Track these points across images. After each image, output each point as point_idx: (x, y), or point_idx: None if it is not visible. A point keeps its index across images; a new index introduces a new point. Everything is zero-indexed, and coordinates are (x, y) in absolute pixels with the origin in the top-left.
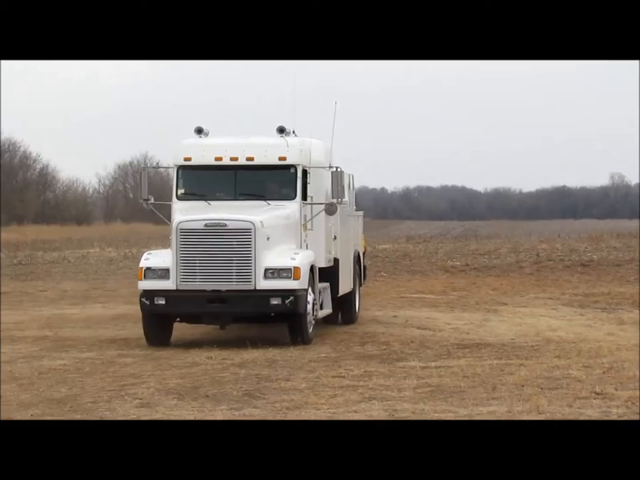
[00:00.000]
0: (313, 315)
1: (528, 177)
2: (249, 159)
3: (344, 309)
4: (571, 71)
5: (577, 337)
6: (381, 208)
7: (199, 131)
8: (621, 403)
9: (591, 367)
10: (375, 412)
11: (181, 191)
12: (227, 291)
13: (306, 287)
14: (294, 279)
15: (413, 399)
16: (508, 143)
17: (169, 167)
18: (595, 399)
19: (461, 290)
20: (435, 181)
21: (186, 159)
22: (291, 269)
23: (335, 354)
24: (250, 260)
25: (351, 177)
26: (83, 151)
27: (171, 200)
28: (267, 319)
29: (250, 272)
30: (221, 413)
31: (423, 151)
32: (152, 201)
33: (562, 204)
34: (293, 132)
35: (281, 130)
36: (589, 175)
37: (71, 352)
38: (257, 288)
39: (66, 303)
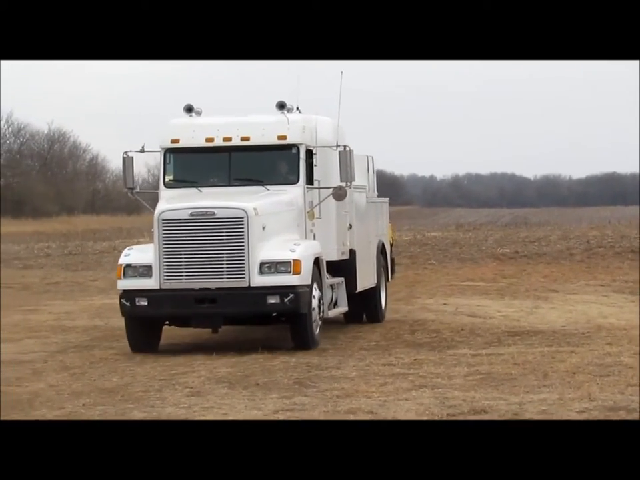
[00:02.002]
0: (320, 314)
1: (578, 163)
2: (243, 138)
3: (367, 306)
4: None
5: (628, 324)
6: (430, 195)
7: (189, 109)
8: None
9: None
10: (426, 400)
11: (168, 177)
12: (218, 289)
13: (309, 283)
14: (293, 274)
15: (464, 387)
16: (557, 129)
17: (155, 151)
18: None
19: (511, 277)
20: (484, 168)
21: (173, 141)
22: (289, 262)
23: (385, 342)
24: (243, 253)
25: (370, 159)
26: (132, 142)
27: (158, 188)
28: (264, 320)
29: (243, 267)
30: (271, 402)
31: (473, 139)
32: (138, 189)
33: (612, 190)
34: (297, 108)
35: (281, 105)
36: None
37: (122, 341)
38: (252, 285)
39: (116, 293)
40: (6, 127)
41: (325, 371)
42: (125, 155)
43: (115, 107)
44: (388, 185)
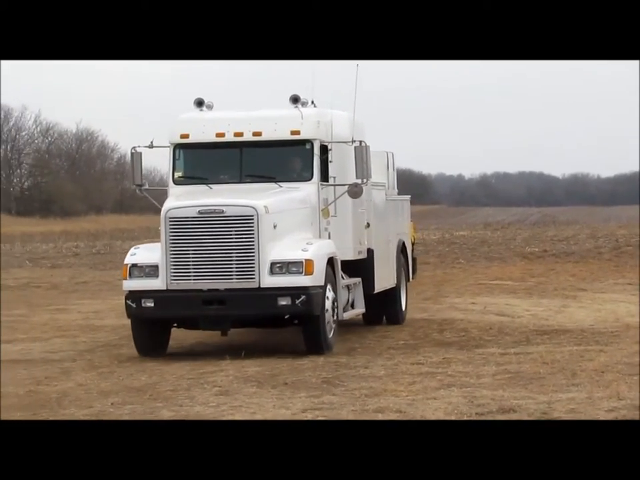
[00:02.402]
0: (334, 316)
1: (606, 162)
2: (255, 134)
3: (386, 307)
4: None
5: None
6: (457, 195)
7: (200, 103)
8: None
9: None
10: (454, 399)
11: (177, 174)
12: (227, 290)
13: (321, 284)
14: (306, 274)
15: (492, 386)
16: (585, 128)
17: (164, 147)
18: None
19: (539, 276)
20: (512, 167)
21: (182, 136)
22: (301, 262)
23: (413, 341)
24: (252, 252)
25: (390, 155)
26: (159, 141)
27: (167, 185)
28: (276, 322)
29: (253, 267)
30: (300, 401)
31: (500, 137)
32: (146, 186)
33: None
34: (312, 102)
35: (295, 99)
36: None
37: None
38: (262, 286)
39: None
40: (34, 126)
41: (353, 370)
42: (132, 151)
43: (144, 107)
44: (416, 184)
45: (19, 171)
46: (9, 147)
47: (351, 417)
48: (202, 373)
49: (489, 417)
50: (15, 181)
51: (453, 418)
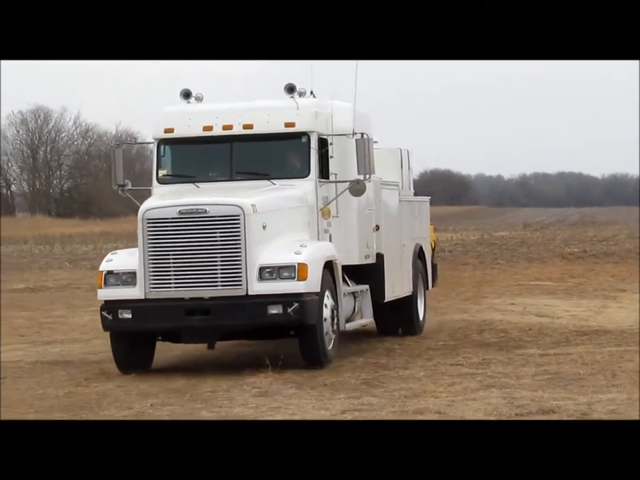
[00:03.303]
0: (333, 326)
1: None
2: (246, 126)
3: (401, 317)
4: None
5: None
6: (497, 195)
7: (187, 94)
8: None
9: None
10: (494, 400)
11: (162, 172)
12: (211, 298)
13: (317, 290)
14: (299, 280)
15: (532, 387)
16: (625, 129)
17: (148, 142)
18: None
19: (579, 277)
20: (551, 167)
21: (167, 131)
22: (294, 266)
23: (452, 342)
24: (239, 256)
25: (405, 152)
26: None
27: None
28: (268, 333)
29: (239, 272)
30: (339, 402)
31: (540, 138)
32: (129, 186)
33: None
34: (311, 93)
35: (291, 89)
36: None
37: None
38: (250, 293)
39: None
40: (74, 127)
41: (393, 371)
42: (113, 149)
43: None
44: (455, 185)
45: (58, 172)
46: (48, 149)
47: (390, 418)
48: (241, 374)
49: (529, 418)
50: (54, 182)
51: (492, 419)
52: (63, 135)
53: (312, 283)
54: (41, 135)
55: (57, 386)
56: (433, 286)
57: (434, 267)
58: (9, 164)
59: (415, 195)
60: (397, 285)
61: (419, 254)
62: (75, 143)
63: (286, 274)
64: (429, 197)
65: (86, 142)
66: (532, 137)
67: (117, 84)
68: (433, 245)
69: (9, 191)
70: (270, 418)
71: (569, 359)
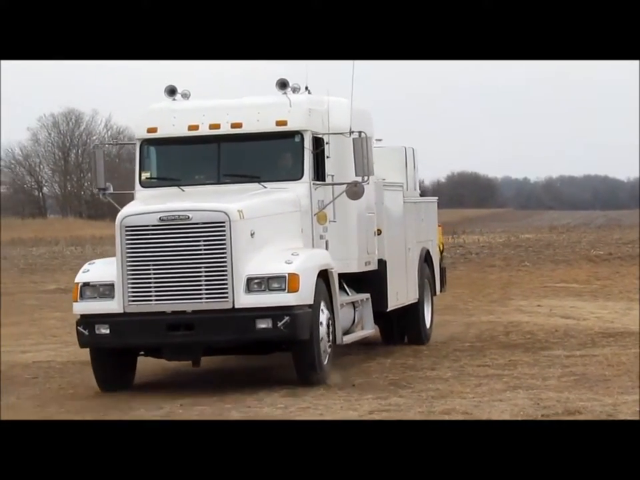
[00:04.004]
0: (329, 340)
1: None
2: (234, 125)
3: (407, 326)
4: None
5: None
6: (523, 198)
7: (172, 91)
8: None
9: None
10: (520, 401)
11: (145, 175)
12: (195, 312)
13: (310, 302)
14: (289, 292)
15: (558, 388)
16: None
17: (130, 143)
18: None
19: (605, 279)
20: (577, 170)
21: (150, 130)
22: (284, 276)
23: (479, 343)
24: (224, 266)
25: (409, 151)
26: None
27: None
28: (258, 348)
29: (225, 284)
30: (367, 402)
31: (566, 141)
32: (110, 190)
33: None
34: (306, 88)
35: (283, 84)
36: None
37: None
38: (237, 306)
39: None
40: (105, 130)
41: (420, 372)
42: (94, 150)
43: None
44: (482, 188)
45: (89, 174)
46: (79, 151)
47: (417, 418)
48: (269, 375)
49: (555, 419)
50: (85, 185)
51: (519, 419)
52: (94, 137)
53: (304, 295)
54: (72, 137)
55: (87, 386)
56: (441, 291)
57: (442, 271)
58: (41, 166)
59: (422, 195)
60: (401, 293)
61: (426, 258)
62: (106, 145)
63: (276, 285)
64: (437, 198)
65: (116, 147)
66: (558, 140)
67: (147, 87)
68: (441, 248)
69: (40, 193)
70: (298, 418)
71: (595, 360)
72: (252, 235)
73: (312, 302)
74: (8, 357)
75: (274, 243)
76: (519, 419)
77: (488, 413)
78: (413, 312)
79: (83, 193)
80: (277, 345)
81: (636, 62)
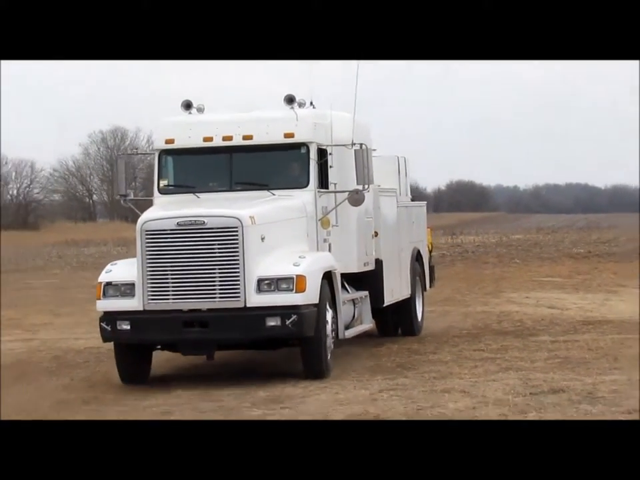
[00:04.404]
0: (332, 336)
1: None
2: (246, 137)
3: (400, 319)
4: None
5: None
6: (514, 203)
7: (188, 105)
8: None
9: None
10: (511, 380)
11: (163, 183)
12: (209, 310)
13: (315, 302)
14: (297, 292)
15: (544, 369)
16: (626, 142)
17: (149, 153)
18: None
19: (585, 274)
20: (561, 179)
21: (167, 142)
22: (292, 277)
23: (475, 330)
24: (237, 268)
25: (401, 160)
26: None
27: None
28: (268, 344)
29: (237, 284)
30: (377, 382)
31: (549, 152)
32: (131, 197)
33: None
34: (311, 103)
35: (290, 99)
36: None
37: None
38: (248, 305)
39: None
40: (147, 145)
41: (424, 356)
42: (116, 158)
43: None
44: (477, 194)
45: (134, 183)
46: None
47: (421, 397)
48: (291, 358)
49: (542, 397)
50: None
51: (510, 397)
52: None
53: (310, 295)
54: (118, 151)
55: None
56: (430, 286)
57: (431, 268)
58: (91, 177)
59: (412, 200)
60: (395, 289)
61: (417, 257)
62: (148, 158)
63: (284, 286)
64: (425, 202)
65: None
66: (543, 151)
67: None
68: (430, 248)
69: (91, 200)
70: (316, 397)
71: (577, 345)
72: (262, 239)
73: (317, 301)
74: (63, 343)
75: (282, 246)
76: (510, 397)
77: (483, 391)
78: (405, 306)
79: None
80: (285, 341)
81: (636, 61)
